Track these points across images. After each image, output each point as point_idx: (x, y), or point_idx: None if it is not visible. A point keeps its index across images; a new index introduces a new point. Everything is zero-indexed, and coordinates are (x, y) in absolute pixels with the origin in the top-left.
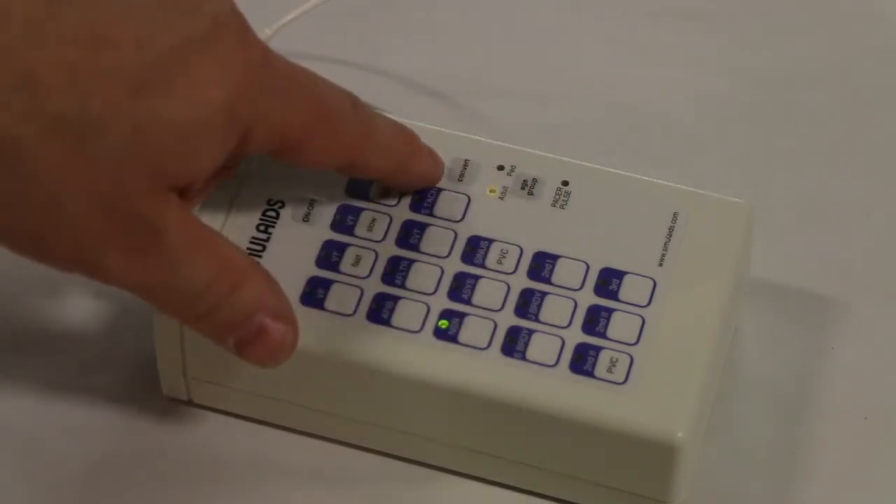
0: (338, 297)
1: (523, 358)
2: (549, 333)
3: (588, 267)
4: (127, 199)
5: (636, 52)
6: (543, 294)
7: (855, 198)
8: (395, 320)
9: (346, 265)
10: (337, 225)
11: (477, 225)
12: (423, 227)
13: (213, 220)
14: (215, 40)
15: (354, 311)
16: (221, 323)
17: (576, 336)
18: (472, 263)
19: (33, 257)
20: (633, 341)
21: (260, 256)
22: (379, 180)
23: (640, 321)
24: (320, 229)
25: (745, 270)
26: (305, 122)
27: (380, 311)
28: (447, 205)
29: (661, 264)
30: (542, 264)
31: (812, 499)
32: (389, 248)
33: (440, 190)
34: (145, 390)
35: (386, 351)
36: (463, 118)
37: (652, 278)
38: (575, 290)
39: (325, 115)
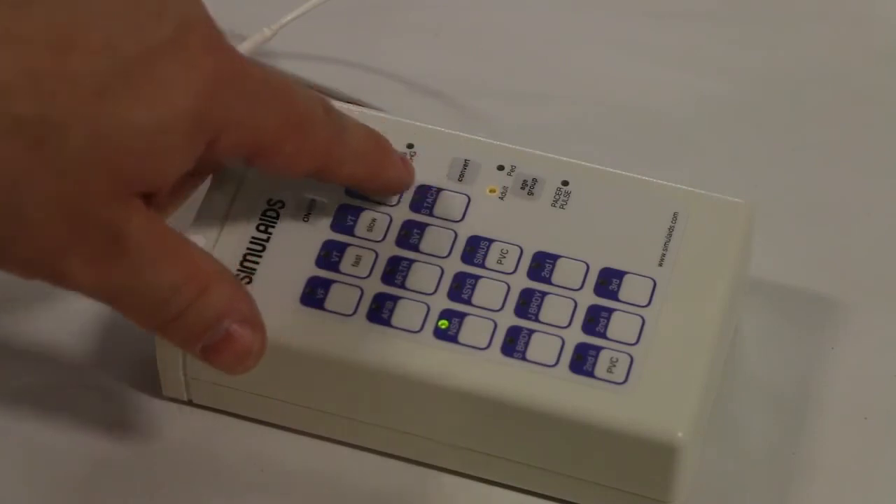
0: (338, 297)
1: (523, 358)
2: (549, 333)
3: (588, 267)
4: (89, 203)
5: (636, 52)
6: (543, 294)
7: (855, 198)
8: (395, 320)
9: (346, 265)
10: (337, 225)
11: (477, 225)
12: (423, 227)
13: (213, 221)
14: (183, 44)
15: (354, 311)
16: (187, 329)
17: (576, 336)
18: (472, 263)
19: None
20: (633, 341)
21: (260, 256)
22: (351, 186)
23: (640, 321)
24: (320, 229)
25: (745, 270)
26: (276, 128)
27: (380, 312)
28: (447, 205)
29: (661, 264)
30: (542, 264)
31: (812, 499)
32: (389, 248)
33: (440, 190)
34: (145, 390)
35: (386, 351)
36: (463, 118)
37: (652, 278)
38: (575, 290)
39: (296, 120)
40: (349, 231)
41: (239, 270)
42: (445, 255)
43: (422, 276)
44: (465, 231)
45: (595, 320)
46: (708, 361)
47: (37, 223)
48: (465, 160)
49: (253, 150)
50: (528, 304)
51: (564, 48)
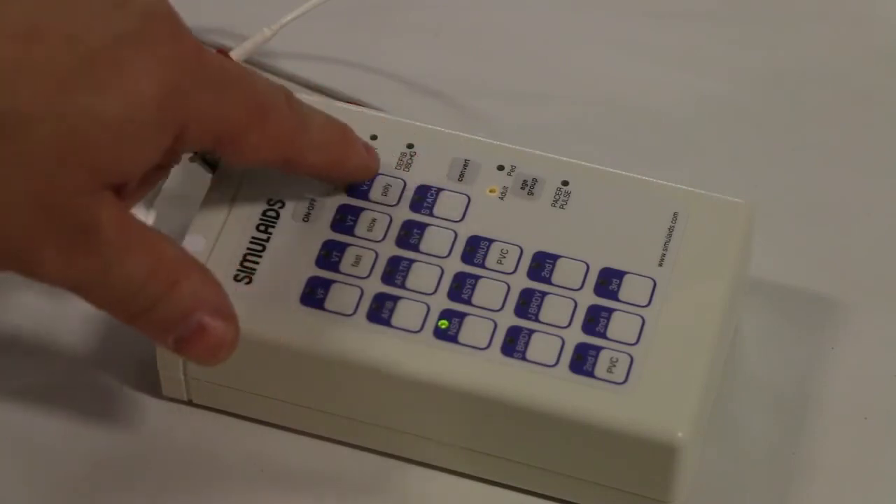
0: (338, 297)
1: (523, 358)
2: (549, 333)
3: (588, 267)
4: (59, 195)
5: (636, 52)
6: (543, 294)
7: (855, 198)
8: (395, 320)
9: (346, 265)
10: (337, 225)
11: (477, 225)
12: (423, 227)
13: (214, 221)
14: (148, 36)
15: (354, 311)
16: (159, 321)
17: (576, 336)
18: (472, 263)
19: None
20: (633, 341)
21: (260, 256)
22: (316, 176)
23: (640, 321)
24: (320, 229)
25: (745, 270)
26: (240, 117)
27: (380, 311)
28: (447, 205)
29: (661, 264)
30: (542, 264)
31: (812, 499)
32: (389, 248)
33: (440, 190)
34: (145, 390)
35: (386, 351)
36: (463, 118)
37: (652, 278)
38: (575, 290)
39: (259, 109)
40: (349, 231)
41: (239, 270)
42: (445, 255)
43: (422, 276)
44: (465, 231)
45: (595, 320)
46: (708, 361)
47: (6, 215)
48: (465, 160)
49: (218, 141)
50: (528, 304)
51: (564, 48)
